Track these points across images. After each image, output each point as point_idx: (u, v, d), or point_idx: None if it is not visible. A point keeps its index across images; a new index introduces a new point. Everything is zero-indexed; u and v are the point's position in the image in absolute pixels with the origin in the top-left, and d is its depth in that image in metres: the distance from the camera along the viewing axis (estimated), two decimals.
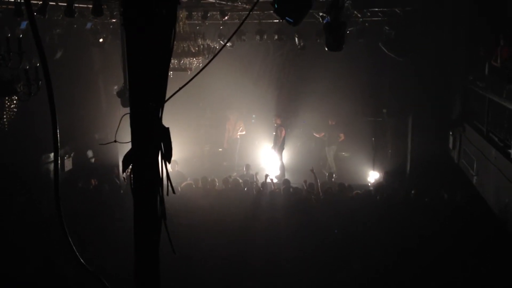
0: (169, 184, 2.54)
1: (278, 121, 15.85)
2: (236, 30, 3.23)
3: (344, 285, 7.82)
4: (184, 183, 12.36)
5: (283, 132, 15.76)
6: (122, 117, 2.55)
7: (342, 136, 16.10)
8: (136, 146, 2.38)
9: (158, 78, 2.33)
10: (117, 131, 2.73)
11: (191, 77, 2.66)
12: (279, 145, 15.67)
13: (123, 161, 2.43)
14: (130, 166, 2.43)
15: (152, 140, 2.38)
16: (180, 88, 2.63)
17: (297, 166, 16.01)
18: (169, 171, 2.47)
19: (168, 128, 2.43)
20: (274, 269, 8.11)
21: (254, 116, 17.58)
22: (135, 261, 2.49)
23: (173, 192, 2.55)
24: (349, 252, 8.72)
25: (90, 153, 14.99)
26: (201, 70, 2.81)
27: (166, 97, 2.40)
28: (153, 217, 2.45)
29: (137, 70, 2.30)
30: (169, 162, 2.47)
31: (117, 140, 2.86)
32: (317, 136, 16.50)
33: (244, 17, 12.58)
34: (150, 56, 2.28)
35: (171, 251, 2.56)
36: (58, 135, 2.28)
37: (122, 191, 11.07)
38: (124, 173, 2.27)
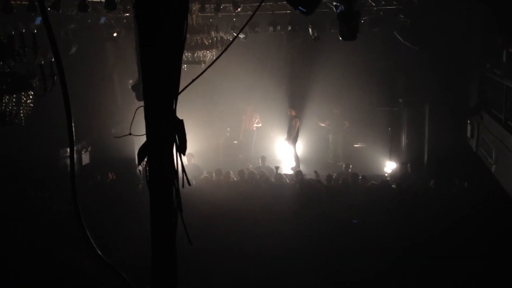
0: (184, 176, 2.54)
1: (293, 113, 15.83)
2: (247, 21, 3.20)
3: (360, 275, 7.80)
4: (202, 176, 12.43)
5: (297, 123, 15.74)
6: (136, 110, 2.56)
7: (347, 123, 16.13)
8: (150, 138, 2.37)
9: (171, 71, 2.32)
10: (131, 124, 2.73)
11: (204, 69, 2.64)
12: (293, 136, 15.66)
13: (138, 154, 2.43)
14: (145, 159, 2.44)
15: (167, 133, 2.38)
16: (193, 81, 2.62)
17: (311, 156, 15.98)
18: (184, 164, 2.46)
19: (182, 121, 2.42)
20: (288, 261, 8.12)
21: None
22: (152, 253, 2.49)
23: (189, 184, 2.55)
24: (365, 243, 8.69)
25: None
26: (213, 62, 2.79)
27: (180, 90, 2.40)
28: (169, 209, 2.45)
29: (150, 63, 2.29)
30: (184, 155, 2.46)
31: (132, 133, 2.87)
32: (322, 125, 16.50)
33: (258, 9, 12.50)
34: (162, 49, 2.26)
35: (187, 243, 2.56)
36: (74, 130, 2.29)
37: (140, 185, 11.17)
38: (140, 166, 2.27)
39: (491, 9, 11.35)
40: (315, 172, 12.76)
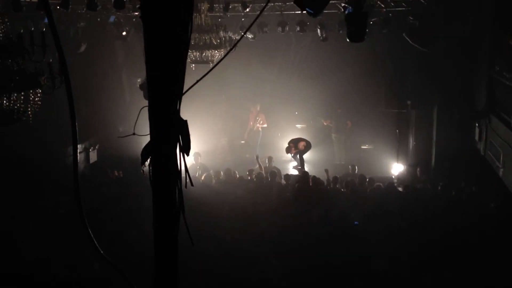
0: (187, 176, 2.54)
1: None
2: (254, 20, 3.19)
3: (366, 279, 7.78)
4: (204, 175, 12.47)
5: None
6: (140, 109, 2.57)
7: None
8: (154, 138, 2.39)
9: (175, 70, 2.32)
10: (135, 123, 2.74)
11: (209, 69, 2.65)
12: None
13: (141, 154, 2.44)
14: (149, 159, 2.45)
15: (170, 133, 2.38)
16: (198, 81, 2.63)
17: (318, 157, 15.96)
18: (191, 163, 2.48)
19: (186, 121, 2.43)
20: (292, 263, 8.10)
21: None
22: (154, 252, 2.50)
23: (191, 185, 2.56)
24: (371, 245, 8.67)
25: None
26: (218, 62, 2.80)
27: (184, 90, 2.40)
28: (171, 209, 2.46)
29: (155, 62, 2.30)
30: (187, 155, 2.47)
31: (136, 132, 2.88)
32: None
33: (265, 8, 12.49)
34: (167, 48, 2.27)
35: (189, 243, 2.58)
36: (78, 128, 2.31)
37: (144, 184, 11.19)
38: (143, 166, 2.27)
39: (500, 11, 11.30)
40: (326, 170, 12.79)
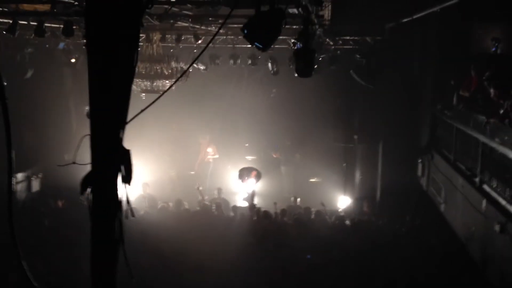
0: (129, 207, 2.50)
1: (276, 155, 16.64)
2: (202, 50, 3.26)
3: None
4: (159, 206, 12.31)
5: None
6: (82, 137, 2.52)
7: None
8: (95, 167, 2.34)
9: (119, 99, 2.31)
10: (76, 151, 2.68)
11: (155, 99, 2.65)
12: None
13: (81, 183, 2.39)
14: (89, 189, 2.39)
15: (112, 162, 2.34)
16: (143, 110, 2.62)
17: (268, 190, 15.99)
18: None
19: (129, 150, 2.40)
20: None
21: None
22: (92, 284, 2.43)
23: (132, 215, 2.51)
24: (323, 277, 8.71)
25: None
26: (165, 91, 2.81)
27: (129, 119, 2.38)
28: (110, 240, 2.40)
29: (98, 91, 2.28)
30: (129, 184, 2.43)
31: (79, 161, 2.81)
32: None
33: (217, 40, 12.66)
34: (111, 78, 2.26)
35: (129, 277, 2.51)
36: (14, 156, 2.24)
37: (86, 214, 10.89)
38: (82, 195, 2.20)
39: (443, 53, 11.88)
40: (275, 203, 12.83)
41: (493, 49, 10.35)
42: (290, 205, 13.65)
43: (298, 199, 14.10)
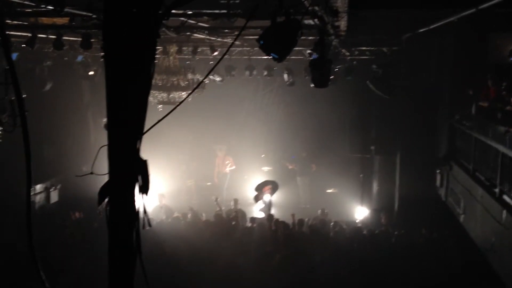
0: (145, 217, 2.51)
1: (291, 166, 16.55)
2: (218, 62, 3.26)
3: None
4: (173, 216, 12.33)
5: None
6: (100, 148, 2.54)
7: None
8: (112, 178, 2.36)
9: (136, 110, 2.32)
10: (93, 162, 2.71)
11: (171, 110, 2.66)
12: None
13: (99, 194, 2.40)
14: (106, 199, 2.40)
15: (129, 172, 2.36)
16: (159, 121, 2.64)
17: (284, 201, 15.95)
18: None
19: (146, 161, 2.41)
20: None
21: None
22: None
23: (149, 225, 2.52)
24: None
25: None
26: (181, 103, 2.82)
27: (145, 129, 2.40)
28: (128, 251, 2.41)
29: (116, 102, 2.30)
30: (147, 195, 2.44)
31: (97, 172, 2.83)
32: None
33: (233, 52, 12.74)
34: (129, 90, 2.28)
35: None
36: (32, 167, 2.27)
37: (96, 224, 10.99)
38: (100, 206, 2.22)
39: (460, 63, 11.79)
40: (292, 215, 12.75)
41: (511, 59, 10.26)
42: (316, 217, 13.55)
43: (326, 211, 13.92)
